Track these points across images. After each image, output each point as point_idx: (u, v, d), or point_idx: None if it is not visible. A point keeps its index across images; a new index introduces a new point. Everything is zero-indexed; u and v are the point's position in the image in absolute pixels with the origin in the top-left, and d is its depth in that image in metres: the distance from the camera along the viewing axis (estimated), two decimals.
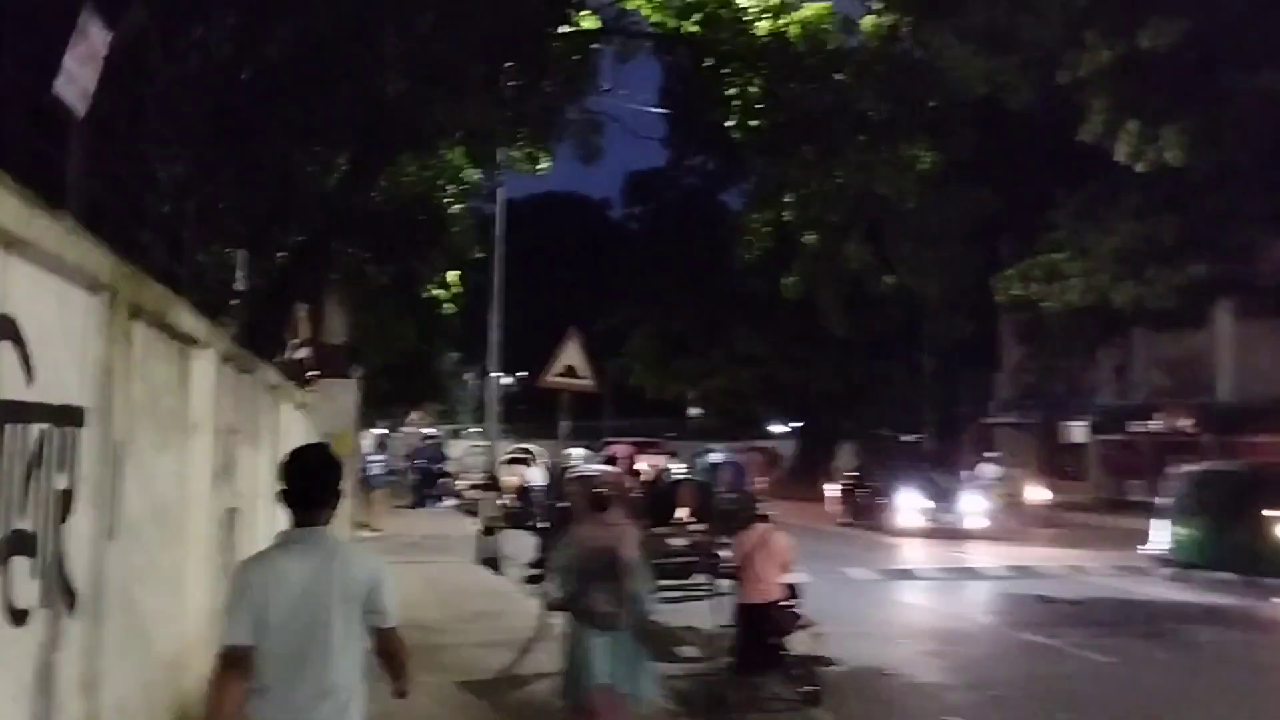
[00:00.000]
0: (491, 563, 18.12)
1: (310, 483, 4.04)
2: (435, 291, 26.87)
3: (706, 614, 13.22)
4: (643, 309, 50.44)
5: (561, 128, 13.09)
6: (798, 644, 9.45)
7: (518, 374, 47.99)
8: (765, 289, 43.00)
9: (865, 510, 28.25)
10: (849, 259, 17.83)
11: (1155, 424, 34.90)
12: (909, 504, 26.05)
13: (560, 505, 18.69)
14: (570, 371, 11.63)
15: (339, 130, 11.34)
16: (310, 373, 18.04)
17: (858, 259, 17.74)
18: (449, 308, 28.39)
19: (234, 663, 3.83)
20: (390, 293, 25.87)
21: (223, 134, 9.15)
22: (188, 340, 6.18)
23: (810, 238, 17.80)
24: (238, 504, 9.03)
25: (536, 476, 27.92)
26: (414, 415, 45.74)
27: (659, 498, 13.41)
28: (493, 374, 18.54)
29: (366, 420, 35.88)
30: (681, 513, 13.33)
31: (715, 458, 26.19)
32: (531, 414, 55.04)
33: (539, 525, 18.82)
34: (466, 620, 12.09)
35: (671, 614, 13.38)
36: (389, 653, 4.04)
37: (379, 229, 12.97)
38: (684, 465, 15.94)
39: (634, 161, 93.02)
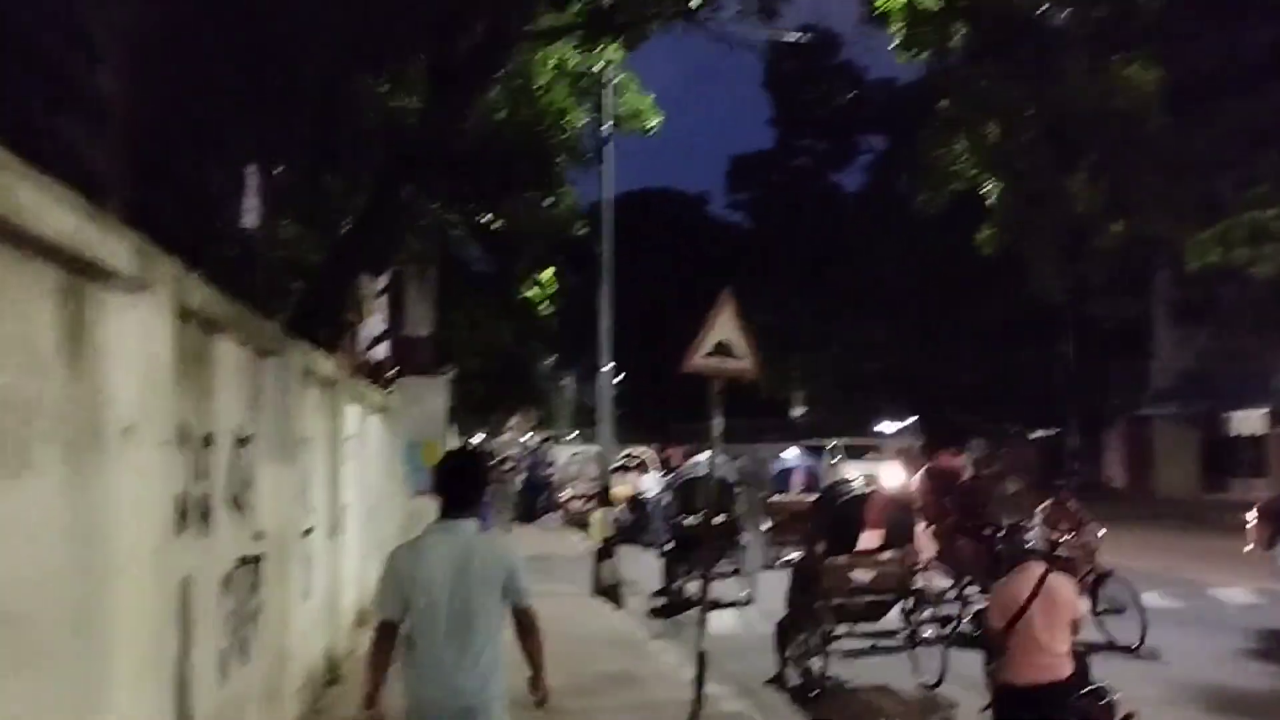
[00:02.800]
0: (611, 592, 15.05)
1: (458, 481, 4.72)
2: (530, 292, 25.38)
3: (906, 671, 10.03)
4: (750, 302, 47.06)
5: None
6: None
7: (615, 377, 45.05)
8: (889, 271, 39.52)
9: None
10: (1074, 199, 14.26)
11: None
12: None
13: (687, 522, 15.66)
14: (723, 350, 8.45)
15: (410, 31, 8.37)
16: (390, 371, 15.24)
17: (1086, 199, 14.14)
18: (545, 308, 26.30)
19: (385, 634, 4.56)
20: (484, 288, 24.12)
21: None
22: (81, 267, 3.19)
23: (994, 185, 14.23)
24: (261, 548, 6.10)
25: (651, 485, 24.90)
26: (514, 421, 43.11)
27: (838, 516, 10.10)
28: (604, 368, 15.42)
29: (463, 427, 33.53)
30: (869, 536, 10.06)
31: (790, 460, 22.19)
32: (630, 418, 52.07)
33: (664, 546, 15.67)
34: (592, 689, 8.98)
35: (858, 670, 10.19)
36: (526, 627, 4.63)
37: (466, 170, 10.01)
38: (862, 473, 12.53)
39: (734, 148, 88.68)
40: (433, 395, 15.08)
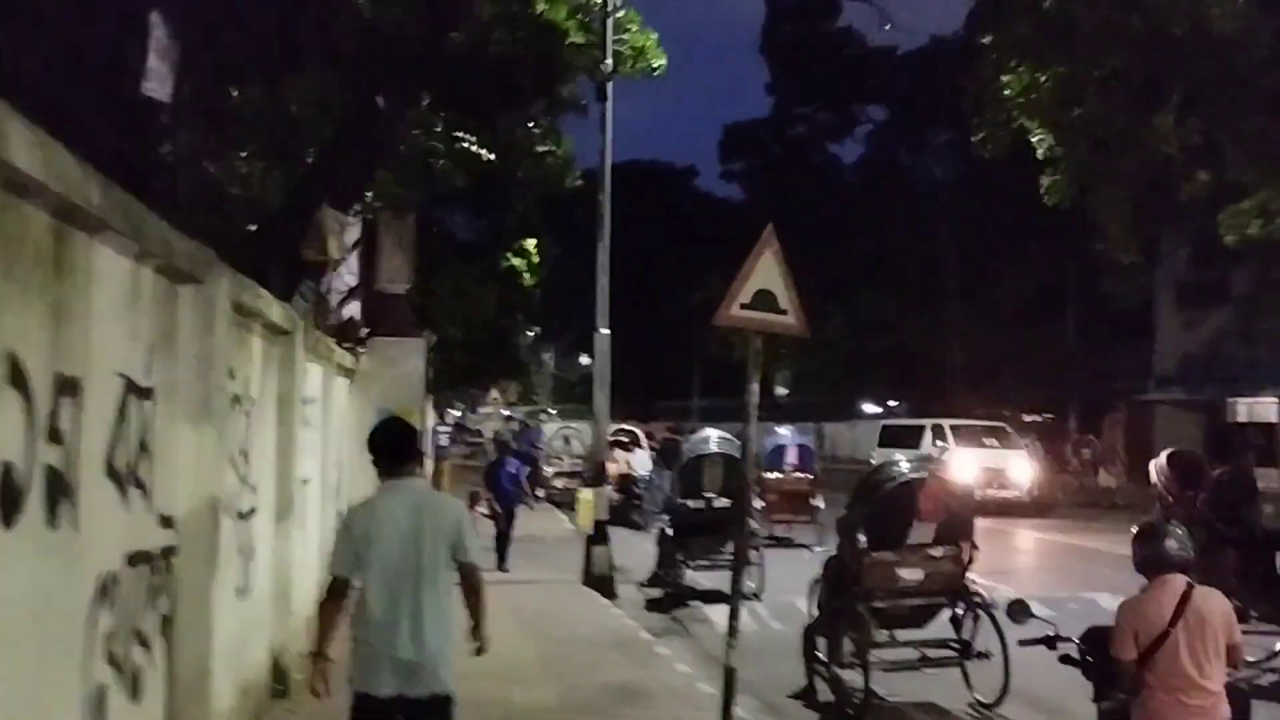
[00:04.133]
0: (605, 583, 13.54)
1: (392, 444, 4.75)
2: (514, 261, 25.11)
3: (960, 684, 8.57)
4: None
5: None
6: None
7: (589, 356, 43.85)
8: (888, 247, 38.07)
9: None
10: (1159, 138, 12.51)
11: None
12: None
13: (691, 505, 14.19)
14: (765, 301, 6.89)
15: None
16: (362, 332, 13.68)
17: (1175, 138, 12.41)
18: (528, 279, 25.96)
19: (336, 591, 4.60)
20: (469, 251, 23.14)
21: None
22: None
23: (1044, 132, 12.59)
24: (170, 539, 4.54)
25: (642, 463, 23.40)
26: (494, 394, 41.61)
27: (883, 504, 8.58)
28: (602, 330, 13.87)
29: (438, 400, 32.27)
30: (919, 530, 8.58)
31: (783, 437, 20.97)
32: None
33: (666, 530, 14.12)
34: (595, 707, 7.48)
35: (903, 684, 8.71)
36: (471, 584, 4.70)
37: (456, 76, 8.35)
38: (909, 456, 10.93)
39: (725, 120, 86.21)
40: (409, 357, 13.51)
